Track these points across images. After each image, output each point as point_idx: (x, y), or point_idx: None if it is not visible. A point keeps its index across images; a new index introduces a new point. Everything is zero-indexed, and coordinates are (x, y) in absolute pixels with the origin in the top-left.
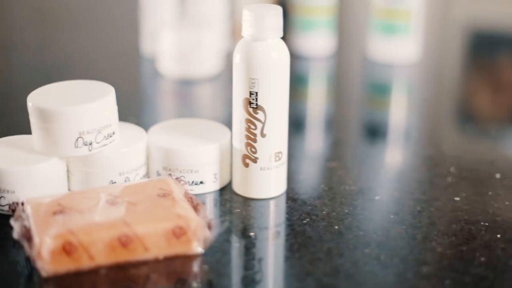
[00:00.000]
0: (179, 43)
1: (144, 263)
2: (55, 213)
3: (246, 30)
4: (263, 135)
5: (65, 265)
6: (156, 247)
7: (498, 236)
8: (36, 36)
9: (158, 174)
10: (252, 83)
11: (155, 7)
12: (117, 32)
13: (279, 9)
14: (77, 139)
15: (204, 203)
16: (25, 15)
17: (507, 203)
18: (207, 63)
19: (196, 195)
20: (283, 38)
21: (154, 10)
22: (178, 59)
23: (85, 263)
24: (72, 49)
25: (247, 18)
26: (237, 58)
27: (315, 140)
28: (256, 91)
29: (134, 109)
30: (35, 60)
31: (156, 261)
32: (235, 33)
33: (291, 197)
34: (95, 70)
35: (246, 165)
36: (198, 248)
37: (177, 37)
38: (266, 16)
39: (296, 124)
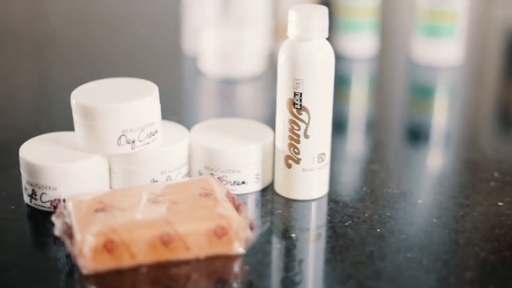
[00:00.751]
0: (221, 42)
1: (185, 262)
2: (97, 210)
3: (292, 31)
4: (306, 136)
5: (106, 263)
6: (198, 247)
7: None
8: (78, 34)
9: (200, 174)
10: (297, 83)
11: (198, 5)
12: (159, 30)
13: (325, 10)
14: (120, 137)
15: (245, 204)
16: (67, 12)
17: None
18: (249, 63)
19: (237, 195)
20: (327, 39)
21: (196, 8)
22: (220, 58)
23: (126, 261)
24: (114, 47)
25: (293, 18)
26: (282, 58)
27: (357, 142)
28: (300, 91)
29: (175, 107)
30: (77, 57)
31: (197, 261)
32: (277, 32)
33: (333, 199)
34: (137, 68)
35: (289, 166)
36: (239, 248)
37: (219, 35)
38: (312, 17)
39: (339, 126)
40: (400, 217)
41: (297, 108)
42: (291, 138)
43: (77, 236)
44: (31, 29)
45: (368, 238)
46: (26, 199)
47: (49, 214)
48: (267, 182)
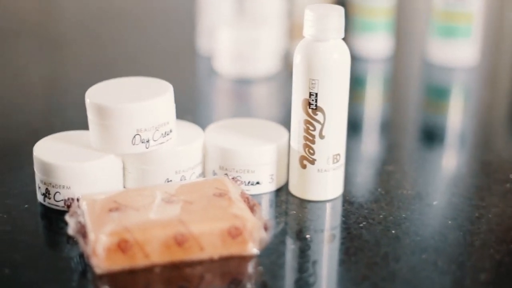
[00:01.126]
0: (236, 41)
1: (199, 262)
2: (110, 210)
3: (308, 30)
4: (321, 136)
5: (119, 263)
6: (212, 247)
7: None
8: (93, 32)
9: (214, 174)
10: (312, 84)
11: (213, 4)
12: (174, 29)
13: (341, 10)
14: (134, 137)
15: (260, 204)
16: (81, 10)
17: None
18: (264, 62)
19: (252, 195)
20: (343, 39)
21: (211, 7)
22: (235, 57)
23: (140, 261)
24: (129, 46)
25: (309, 18)
26: (297, 59)
27: (372, 143)
28: (316, 92)
29: (190, 107)
30: (91, 56)
31: (211, 261)
32: (293, 32)
33: (348, 200)
34: (151, 67)
35: (304, 166)
36: (253, 249)
37: (234, 35)
38: (328, 17)
39: (354, 126)
40: (415, 218)
41: (312, 109)
42: (306, 138)
43: (91, 235)
44: (45, 27)
45: (383, 239)
46: (40, 198)
47: (62, 213)
48: (281, 182)
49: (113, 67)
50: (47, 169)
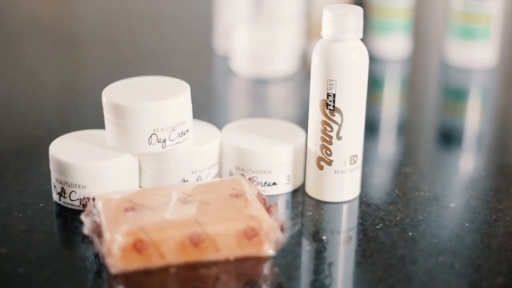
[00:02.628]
0: (253, 41)
1: (214, 263)
2: (126, 209)
3: (326, 31)
4: (339, 137)
5: (135, 263)
6: (227, 248)
7: None
8: (110, 32)
9: (231, 174)
10: (330, 84)
11: (230, 4)
12: (191, 29)
13: (359, 10)
14: (150, 136)
15: (276, 205)
16: (98, 10)
17: None
18: (281, 63)
19: (268, 196)
20: (361, 39)
21: (228, 7)
22: (252, 57)
23: (155, 261)
24: (146, 45)
25: (327, 18)
26: (315, 59)
27: (390, 144)
28: (333, 92)
29: (206, 107)
30: (108, 55)
31: (227, 262)
32: (310, 32)
33: (365, 201)
34: (168, 67)
35: (321, 167)
36: (269, 250)
37: (251, 35)
38: (346, 17)
39: (371, 127)
40: (432, 220)
41: (330, 109)
42: (323, 139)
43: (106, 235)
44: (63, 26)
45: (400, 241)
46: (55, 197)
47: (78, 212)
48: (298, 183)
49: (130, 67)
50: (62, 168)
